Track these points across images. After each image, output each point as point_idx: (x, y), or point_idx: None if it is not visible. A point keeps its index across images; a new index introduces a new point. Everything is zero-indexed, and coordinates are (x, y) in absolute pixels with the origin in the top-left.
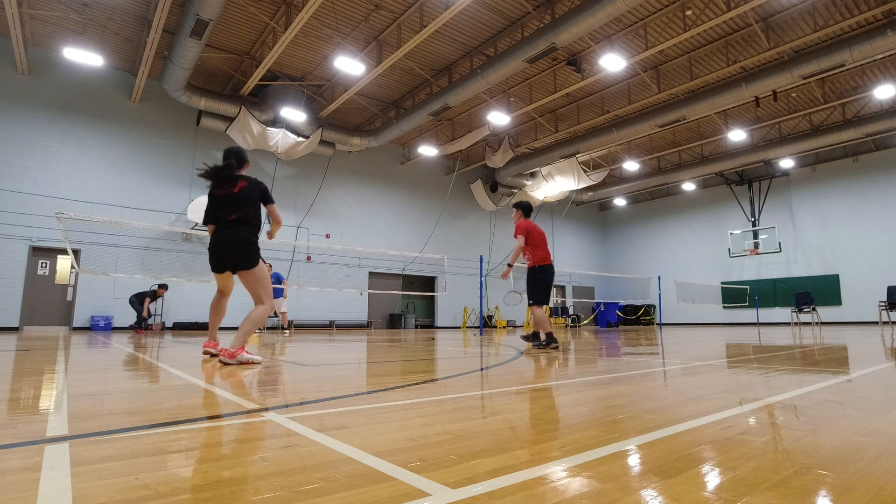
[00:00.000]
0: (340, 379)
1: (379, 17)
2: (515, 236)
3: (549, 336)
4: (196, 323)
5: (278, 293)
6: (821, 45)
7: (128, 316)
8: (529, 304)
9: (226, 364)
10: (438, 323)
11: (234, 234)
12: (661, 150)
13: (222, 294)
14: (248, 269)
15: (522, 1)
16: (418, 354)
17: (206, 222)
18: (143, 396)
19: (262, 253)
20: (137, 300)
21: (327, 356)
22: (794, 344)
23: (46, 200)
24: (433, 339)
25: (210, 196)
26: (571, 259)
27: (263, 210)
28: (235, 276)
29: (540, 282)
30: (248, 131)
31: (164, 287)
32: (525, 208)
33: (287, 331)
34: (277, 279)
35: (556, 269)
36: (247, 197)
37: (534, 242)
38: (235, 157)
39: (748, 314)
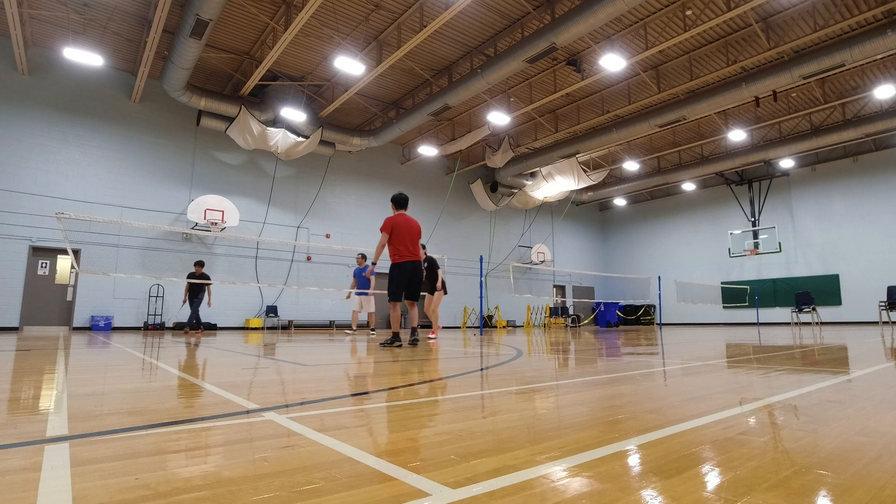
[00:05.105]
0: (340, 379)
1: (379, 17)
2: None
3: (395, 336)
4: None
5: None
6: (821, 45)
7: (127, 315)
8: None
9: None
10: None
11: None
12: (661, 150)
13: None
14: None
15: (522, 1)
16: (418, 354)
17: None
18: (143, 396)
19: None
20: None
21: (327, 356)
22: (794, 344)
23: (46, 200)
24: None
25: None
26: (571, 259)
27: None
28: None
29: (392, 279)
30: (248, 131)
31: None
32: (396, 201)
33: (373, 330)
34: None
35: (555, 268)
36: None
37: (396, 238)
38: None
39: (748, 314)
